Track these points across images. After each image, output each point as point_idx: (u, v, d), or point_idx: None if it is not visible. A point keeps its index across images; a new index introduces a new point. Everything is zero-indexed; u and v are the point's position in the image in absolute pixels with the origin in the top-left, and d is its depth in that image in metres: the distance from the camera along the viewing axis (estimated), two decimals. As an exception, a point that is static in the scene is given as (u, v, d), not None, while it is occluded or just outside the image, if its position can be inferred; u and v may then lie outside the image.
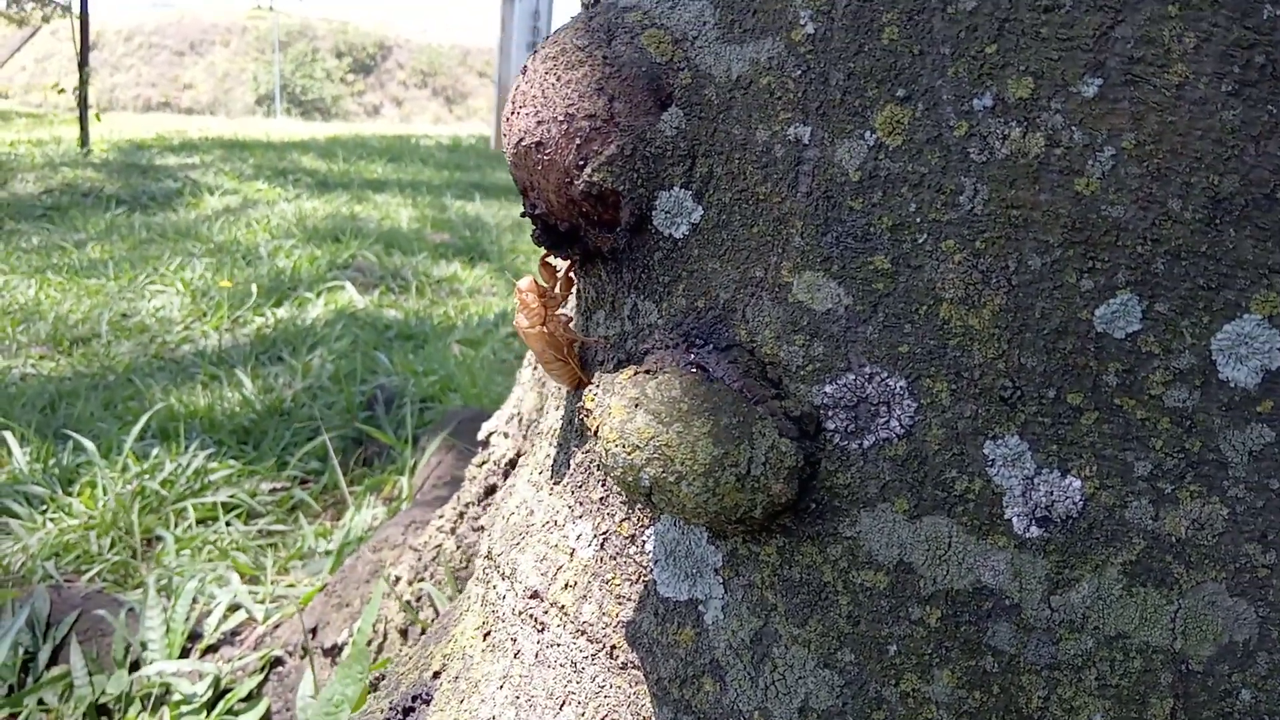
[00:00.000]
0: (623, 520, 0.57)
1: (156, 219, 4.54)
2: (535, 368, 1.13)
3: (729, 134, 0.51)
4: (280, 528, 2.15)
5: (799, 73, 0.49)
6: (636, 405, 0.48)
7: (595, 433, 0.50)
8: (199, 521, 2.13)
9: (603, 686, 0.57)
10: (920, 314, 0.47)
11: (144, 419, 2.31)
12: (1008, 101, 0.45)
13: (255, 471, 2.33)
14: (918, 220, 0.47)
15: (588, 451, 0.60)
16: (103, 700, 1.52)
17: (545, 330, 0.61)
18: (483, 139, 8.43)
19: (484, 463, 1.20)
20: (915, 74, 0.47)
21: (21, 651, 1.59)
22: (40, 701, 1.50)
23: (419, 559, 1.25)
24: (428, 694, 0.68)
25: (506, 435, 1.15)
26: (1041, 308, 0.46)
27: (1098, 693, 0.47)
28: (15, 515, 2.00)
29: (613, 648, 0.56)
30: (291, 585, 1.89)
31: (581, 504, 0.60)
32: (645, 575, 0.56)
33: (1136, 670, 0.46)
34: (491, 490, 1.15)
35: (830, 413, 0.49)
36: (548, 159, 0.54)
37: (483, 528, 1.16)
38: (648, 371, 0.50)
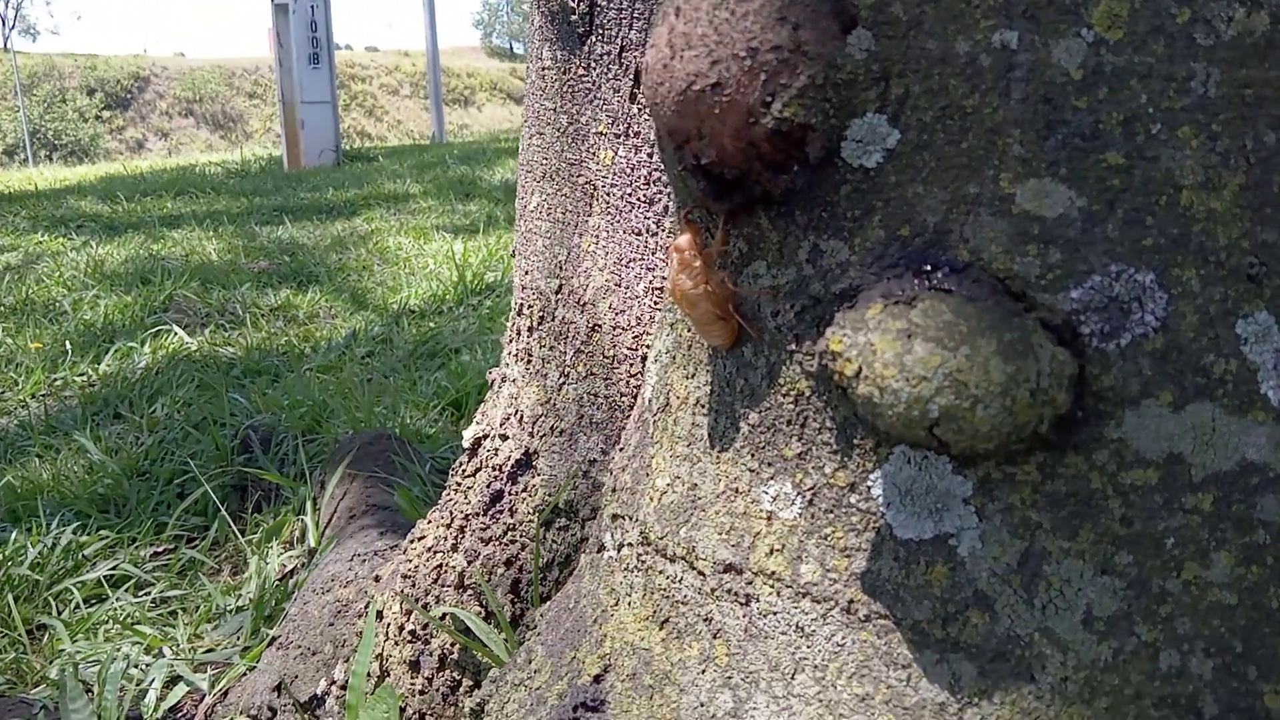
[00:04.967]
0: (836, 470, 0.54)
1: (-71, 287, 4.06)
2: (529, 361, 1.07)
3: (924, 50, 0.50)
4: (175, 593, 1.96)
5: (996, -22, 0.48)
6: (909, 335, 0.46)
7: (857, 374, 0.48)
8: (85, 601, 1.92)
9: (843, 644, 0.54)
10: (1161, 204, 0.48)
11: (-7, 502, 2.06)
12: (1228, -16, 0.46)
13: (132, 538, 2.13)
14: (1150, 111, 0.47)
15: (766, 410, 0.57)
16: (42, 814, 1.35)
17: (708, 289, 0.57)
18: (273, 159, 7.97)
19: (478, 470, 1.13)
20: (1128, -33, 0.47)
21: (-74, 782, 1.38)
22: (-33, 832, 1.31)
23: (413, 585, 1.17)
24: (594, 700, 0.64)
25: (506, 437, 1.09)
26: (1278, 181, 0.47)
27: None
28: None
29: (850, 602, 0.54)
30: (210, 650, 1.74)
31: (770, 465, 0.57)
32: (875, 522, 0.54)
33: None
34: (499, 497, 1.09)
35: (1083, 317, 0.48)
36: (726, 100, 0.51)
37: (492, 538, 1.09)
38: (898, 302, 0.48)
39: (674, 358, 0.66)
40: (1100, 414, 0.49)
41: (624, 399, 0.97)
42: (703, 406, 0.62)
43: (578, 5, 0.94)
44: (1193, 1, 0.47)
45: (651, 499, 0.64)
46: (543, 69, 1.02)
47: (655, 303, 0.95)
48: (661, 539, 0.62)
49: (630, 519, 0.66)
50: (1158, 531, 0.49)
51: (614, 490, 0.70)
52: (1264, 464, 0.49)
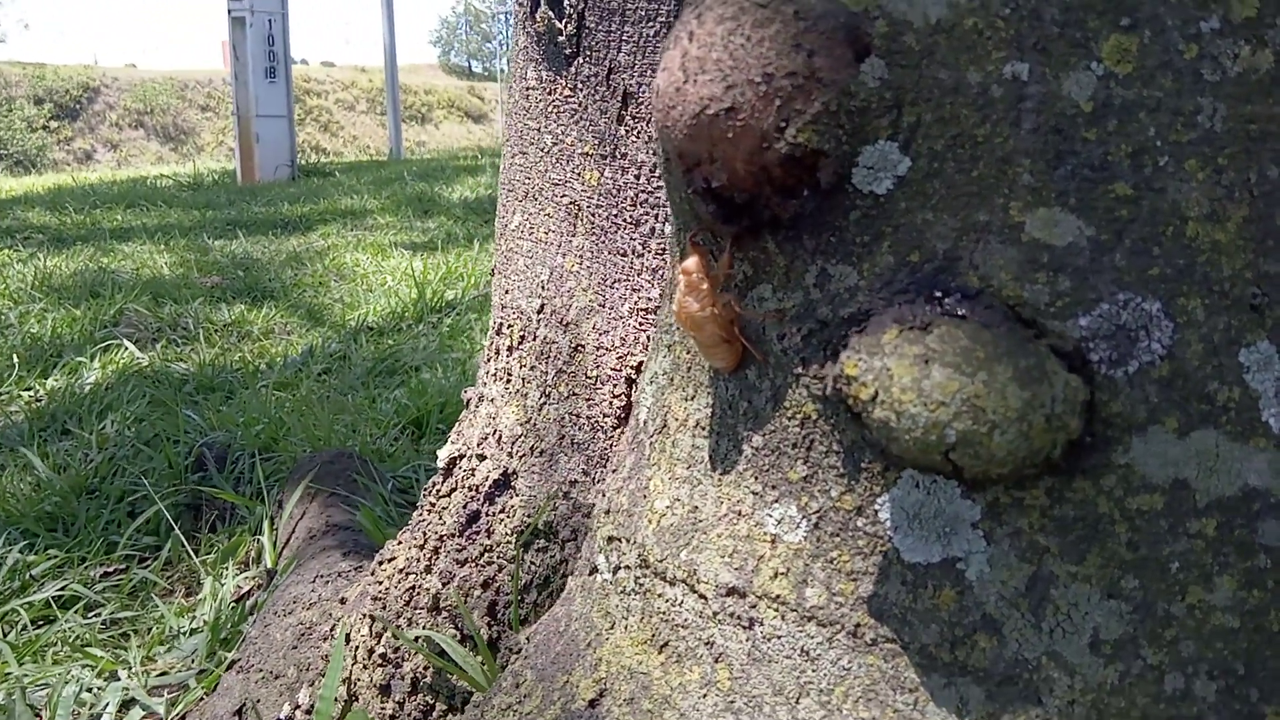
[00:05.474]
0: (843, 494, 0.55)
1: None
2: (508, 381, 1.06)
3: (936, 79, 0.50)
4: (127, 614, 1.91)
5: (1008, 11, 0.49)
6: (926, 361, 0.46)
7: (873, 399, 0.48)
8: (33, 623, 1.86)
9: (849, 668, 0.54)
10: (1167, 235, 0.49)
11: (-64, 520, 1.99)
12: (1234, 22, 0.48)
13: (82, 558, 2.07)
14: (1158, 144, 0.48)
15: (771, 433, 0.57)
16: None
17: (715, 311, 0.57)
18: (226, 173, 7.86)
19: (453, 490, 1.12)
20: (1137, 3, 0.48)
21: None
22: None
23: (383, 607, 1.15)
24: (590, 727, 0.63)
25: (484, 457, 1.08)
26: (1281, 215, 0.48)
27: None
28: None
29: (857, 626, 0.54)
30: (164, 674, 1.69)
31: (775, 488, 0.57)
32: (882, 545, 0.54)
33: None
34: (475, 517, 1.07)
35: (1091, 344, 0.49)
36: (740, 124, 0.51)
37: (468, 560, 1.08)
38: (913, 327, 0.48)
39: (672, 379, 0.66)
40: (1108, 440, 0.50)
41: (606, 420, 0.97)
42: (703, 429, 0.62)
43: (565, 27, 0.94)
44: (1200, 38, 0.48)
45: (650, 521, 0.64)
46: (527, 89, 1.02)
47: (640, 324, 0.95)
48: (661, 562, 0.62)
49: (627, 541, 0.65)
50: (1163, 556, 0.50)
51: (608, 512, 0.69)
52: (1265, 489, 0.50)
